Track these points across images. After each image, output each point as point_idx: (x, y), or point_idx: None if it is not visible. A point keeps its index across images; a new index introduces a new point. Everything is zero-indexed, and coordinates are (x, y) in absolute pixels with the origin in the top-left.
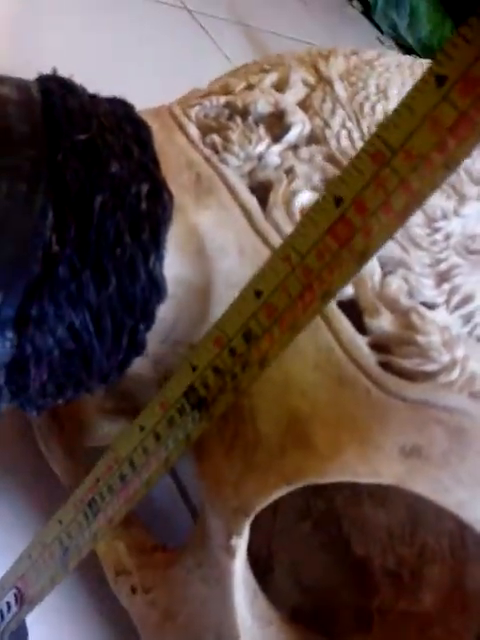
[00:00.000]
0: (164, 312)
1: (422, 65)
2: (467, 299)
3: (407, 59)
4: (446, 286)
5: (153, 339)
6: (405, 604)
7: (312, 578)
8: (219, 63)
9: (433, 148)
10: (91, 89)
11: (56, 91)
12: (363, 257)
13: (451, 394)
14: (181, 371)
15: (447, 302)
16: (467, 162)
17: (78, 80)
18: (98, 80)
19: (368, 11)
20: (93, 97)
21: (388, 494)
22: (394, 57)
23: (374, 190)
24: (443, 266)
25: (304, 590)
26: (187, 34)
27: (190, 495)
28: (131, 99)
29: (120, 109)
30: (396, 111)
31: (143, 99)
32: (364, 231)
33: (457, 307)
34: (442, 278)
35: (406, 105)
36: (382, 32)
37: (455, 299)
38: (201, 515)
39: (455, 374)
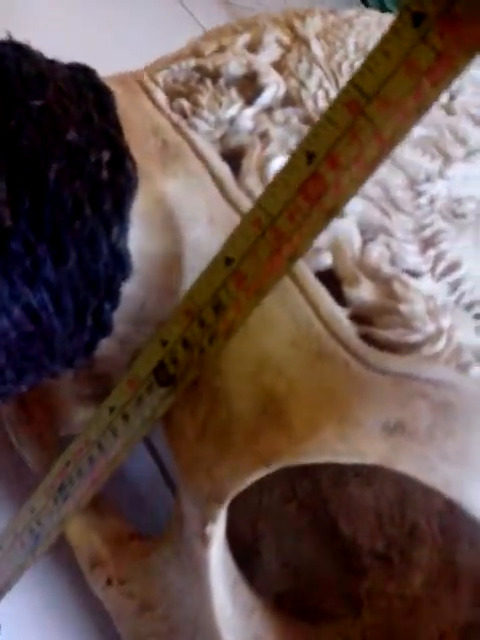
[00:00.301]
0: (131, 289)
1: None
2: (453, 266)
3: (388, 17)
4: (431, 252)
5: (120, 318)
6: (394, 587)
7: (299, 562)
8: (195, 35)
9: (408, 93)
10: (60, 56)
11: (10, 55)
12: (331, 213)
13: (436, 366)
14: (150, 347)
15: (432, 269)
16: (452, 120)
17: (49, 49)
18: (68, 48)
19: None
20: (51, 63)
21: (375, 473)
22: (374, 15)
23: (348, 142)
24: (428, 231)
25: (291, 574)
26: (168, 12)
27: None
28: (103, 68)
29: (81, 75)
30: (371, 56)
31: (115, 68)
32: (335, 186)
33: (443, 274)
34: (427, 244)
35: (381, 49)
36: (367, 5)
37: (441, 266)
38: (177, 502)
39: (441, 345)
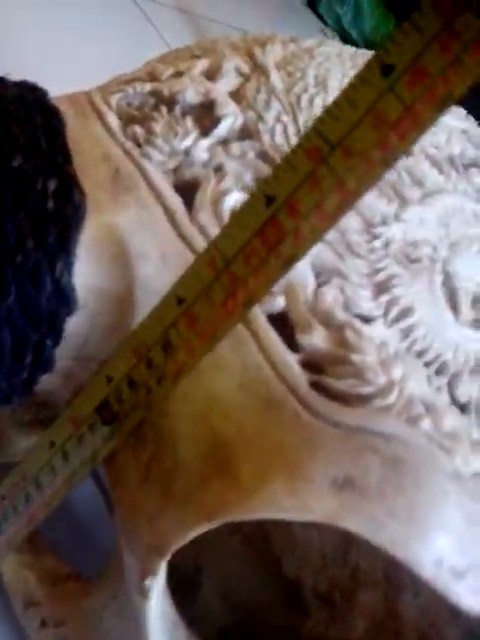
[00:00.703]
0: (75, 325)
1: (364, 55)
2: (406, 312)
3: (349, 49)
4: (384, 298)
5: (63, 354)
6: (337, 631)
7: (242, 596)
8: (160, 50)
9: (374, 145)
10: (24, 72)
11: None
12: (290, 262)
13: (388, 419)
14: (95, 383)
15: (385, 315)
16: (409, 162)
17: (12, 63)
18: (32, 62)
19: (313, 2)
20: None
21: None
22: (335, 46)
23: (308, 190)
24: (381, 276)
25: (233, 609)
26: (127, 19)
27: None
28: (66, 84)
29: (30, 95)
30: (336, 103)
31: (78, 84)
32: (294, 234)
33: (396, 320)
34: (380, 289)
35: (348, 97)
36: (326, 24)
37: (393, 312)
38: (118, 544)
39: (392, 397)
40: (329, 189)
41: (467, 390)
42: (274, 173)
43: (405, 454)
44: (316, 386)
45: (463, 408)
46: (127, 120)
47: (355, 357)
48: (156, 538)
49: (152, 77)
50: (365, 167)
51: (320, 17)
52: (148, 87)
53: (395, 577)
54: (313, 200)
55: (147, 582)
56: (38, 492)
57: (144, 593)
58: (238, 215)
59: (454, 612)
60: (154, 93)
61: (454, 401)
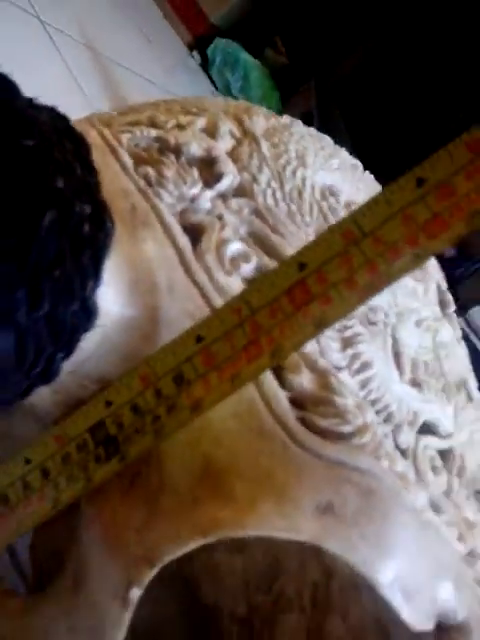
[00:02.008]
0: (85, 342)
1: (325, 139)
2: (365, 365)
3: (312, 130)
4: (349, 351)
5: (62, 368)
6: None
7: (147, 622)
8: (65, 81)
9: (403, 238)
10: None
11: None
12: (321, 323)
13: (363, 456)
14: (91, 406)
15: (349, 366)
16: None
17: None
18: None
19: (206, 65)
20: (30, 101)
21: (247, 541)
22: (301, 126)
23: (338, 264)
24: (348, 333)
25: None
26: (35, 46)
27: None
28: None
29: (59, 121)
30: (374, 199)
31: None
32: (322, 299)
33: (357, 372)
34: (346, 343)
35: (384, 196)
36: (217, 88)
37: (356, 364)
38: (73, 560)
39: (367, 437)
40: (359, 267)
41: (406, 439)
42: (308, 245)
43: (376, 487)
44: (302, 421)
45: (403, 453)
46: (138, 160)
47: (338, 400)
48: (146, 550)
49: (153, 124)
50: (394, 255)
51: (211, 80)
52: (154, 133)
53: (324, 602)
54: (342, 273)
55: (132, 592)
56: (3, 508)
57: (126, 603)
58: (269, 275)
59: (380, 628)
60: (159, 140)
61: (397, 447)
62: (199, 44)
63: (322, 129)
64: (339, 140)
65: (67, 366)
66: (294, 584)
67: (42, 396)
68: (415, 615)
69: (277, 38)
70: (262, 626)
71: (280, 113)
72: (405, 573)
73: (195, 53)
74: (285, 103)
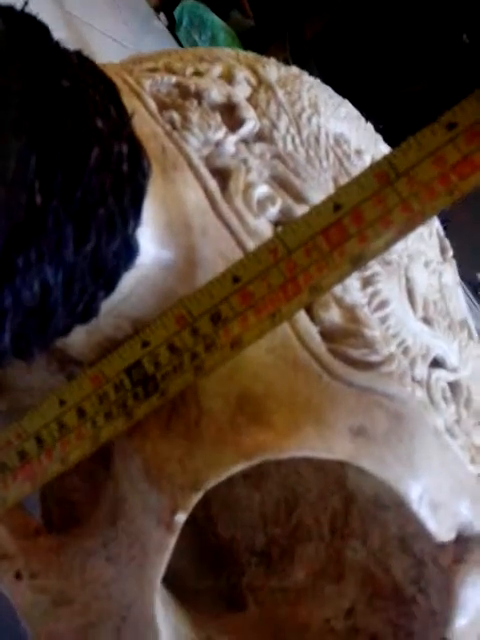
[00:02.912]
0: (123, 281)
1: (328, 89)
2: (384, 303)
3: (318, 81)
4: (369, 289)
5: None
6: (276, 581)
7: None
8: None
9: (435, 179)
10: None
11: (29, 26)
12: (359, 260)
13: (391, 383)
14: (126, 346)
15: (369, 304)
16: None
17: None
18: None
19: (173, 27)
20: (59, 43)
21: (264, 475)
22: (308, 76)
23: (374, 204)
24: (368, 272)
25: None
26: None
27: None
28: None
29: (87, 63)
30: (406, 142)
31: None
32: (359, 237)
33: (377, 309)
34: (366, 282)
35: (417, 140)
36: None
37: (375, 302)
38: (108, 497)
39: (394, 366)
40: (394, 206)
41: (420, 371)
42: (343, 187)
43: (404, 411)
44: (333, 353)
45: (419, 384)
46: (161, 105)
47: (366, 331)
48: (190, 476)
49: (171, 71)
50: (427, 195)
51: (178, 42)
52: (173, 79)
53: (343, 528)
54: (377, 212)
55: (178, 517)
56: (38, 449)
57: (172, 528)
58: (304, 216)
59: (403, 545)
60: (179, 85)
61: (413, 379)
62: (165, 6)
63: None
64: None
65: (104, 306)
66: (313, 514)
67: (77, 337)
68: (439, 527)
69: (243, 0)
70: (280, 556)
71: None
72: (431, 489)
73: (162, 15)
74: None
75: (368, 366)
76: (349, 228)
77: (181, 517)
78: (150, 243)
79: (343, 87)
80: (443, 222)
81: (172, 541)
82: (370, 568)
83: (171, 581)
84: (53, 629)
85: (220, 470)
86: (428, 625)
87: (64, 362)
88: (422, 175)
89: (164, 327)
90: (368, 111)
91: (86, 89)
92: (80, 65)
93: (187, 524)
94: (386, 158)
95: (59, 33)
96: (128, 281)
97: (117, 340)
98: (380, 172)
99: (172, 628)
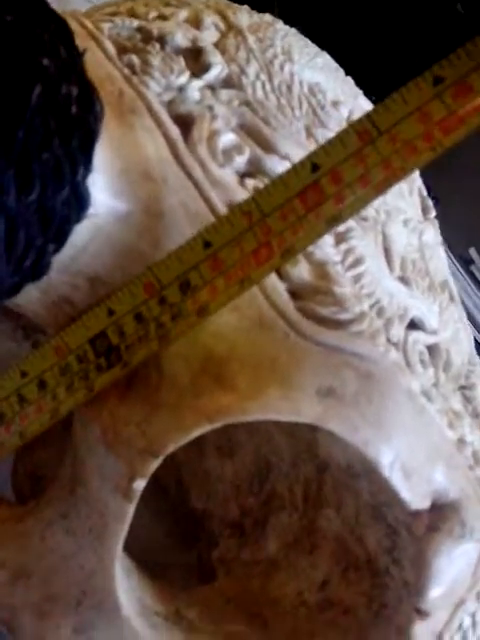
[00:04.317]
0: (76, 234)
1: (304, 39)
2: (358, 260)
3: (293, 30)
4: (343, 246)
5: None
6: (248, 553)
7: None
8: None
9: (419, 136)
10: None
11: None
12: (334, 221)
13: (361, 342)
14: (91, 315)
15: (342, 261)
16: None
17: None
18: None
19: None
20: None
21: (237, 446)
22: (283, 24)
23: (354, 164)
24: (342, 227)
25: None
26: None
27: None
28: None
29: (38, 2)
30: (390, 98)
31: None
32: (336, 198)
33: (351, 267)
34: (340, 238)
35: (400, 95)
36: None
37: (349, 259)
38: (67, 466)
39: (365, 325)
40: (374, 165)
41: (396, 332)
42: (322, 146)
43: (374, 370)
44: (301, 311)
45: (395, 346)
46: (120, 49)
47: (336, 289)
48: (149, 441)
49: (134, 15)
50: (409, 152)
51: None
52: (135, 23)
53: (316, 497)
54: (357, 172)
55: (136, 484)
56: None
57: (130, 495)
58: (281, 177)
59: (376, 514)
60: (141, 29)
61: (388, 340)
62: None
63: None
64: None
65: (57, 263)
66: (285, 483)
67: (30, 297)
68: (413, 494)
69: None
70: (253, 527)
71: None
72: (404, 454)
73: None
74: None
75: (337, 324)
76: (326, 189)
77: (139, 484)
78: (103, 192)
79: (335, 57)
80: (433, 199)
81: (131, 509)
82: (344, 538)
83: (143, 556)
84: (11, 603)
85: (180, 434)
86: (402, 596)
87: (28, 329)
88: (405, 133)
89: (131, 295)
90: (362, 84)
91: (33, 26)
92: (29, 2)
93: (160, 498)
94: (368, 115)
95: None
96: (81, 234)
97: (74, 301)
98: (361, 130)
99: (136, 600)
